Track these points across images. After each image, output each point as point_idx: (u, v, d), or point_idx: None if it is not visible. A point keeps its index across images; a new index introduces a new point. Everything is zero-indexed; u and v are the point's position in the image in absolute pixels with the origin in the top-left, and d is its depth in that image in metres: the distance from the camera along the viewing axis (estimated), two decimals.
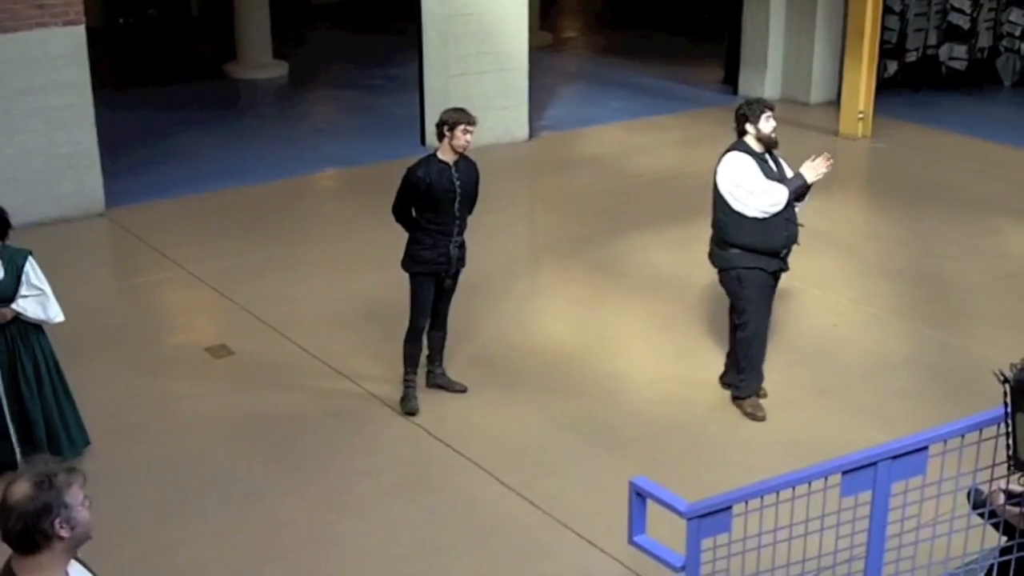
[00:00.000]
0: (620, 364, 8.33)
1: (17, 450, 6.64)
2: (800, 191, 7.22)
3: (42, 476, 3.35)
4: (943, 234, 10.86)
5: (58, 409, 6.81)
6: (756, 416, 7.49)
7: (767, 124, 7.18)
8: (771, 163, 7.30)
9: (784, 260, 7.36)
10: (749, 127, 7.21)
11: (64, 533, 3.35)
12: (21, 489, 3.33)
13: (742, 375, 7.56)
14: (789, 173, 7.37)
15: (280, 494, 6.76)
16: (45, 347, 6.75)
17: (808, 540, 4.56)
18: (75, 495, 3.38)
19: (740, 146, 7.26)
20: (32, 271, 6.58)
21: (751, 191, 7.12)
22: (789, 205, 7.16)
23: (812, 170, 7.21)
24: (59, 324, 6.76)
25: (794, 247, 7.36)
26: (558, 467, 7.05)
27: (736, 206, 7.16)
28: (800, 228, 7.34)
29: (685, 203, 11.57)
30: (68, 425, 6.87)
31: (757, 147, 7.23)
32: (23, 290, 6.53)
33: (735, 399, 7.62)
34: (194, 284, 9.66)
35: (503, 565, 6.18)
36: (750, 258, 7.27)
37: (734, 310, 7.51)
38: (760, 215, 7.12)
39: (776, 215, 7.13)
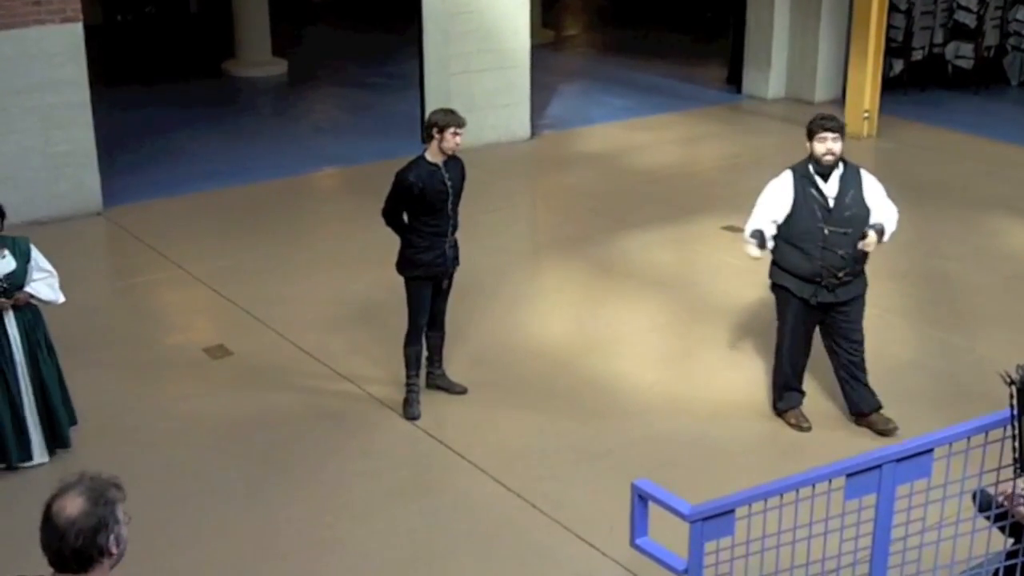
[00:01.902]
0: (622, 365, 8.26)
1: (43, 446, 6.89)
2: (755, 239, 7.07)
3: (95, 491, 3.27)
4: (949, 234, 10.79)
5: (62, 389, 7.00)
6: (801, 427, 7.38)
7: (819, 146, 6.91)
8: (829, 187, 6.95)
9: (827, 289, 7.00)
10: (808, 143, 6.99)
11: (114, 550, 3.30)
12: (76, 504, 3.23)
13: (775, 390, 7.50)
14: (871, 200, 7.02)
15: (278, 496, 6.70)
16: (47, 328, 6.95)
17: (812, 543, 4.53)
18: (121, 512, 3.33)
19: (796, 164, 7.09)
20: (39, 255, 6.81)
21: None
22: (823, 235, 6.92)
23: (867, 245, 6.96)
24: (60, 313, 6.91)
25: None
26: (559, 469, 6.99)
27: None
28: (843, 257, 6.95)
29: (688, 203, 11.53)
30: (65, 406, 7.03)
31: (814, 167, 6.99)
32: (34, 274, 6.74)
33: (777, 413, 7.51)
34: (192, 284, 9.61)
35: (504, 568, 6.12)
36: (780, 275, 7.17)
37: None
38: None
39: (809, 241, 6.93)
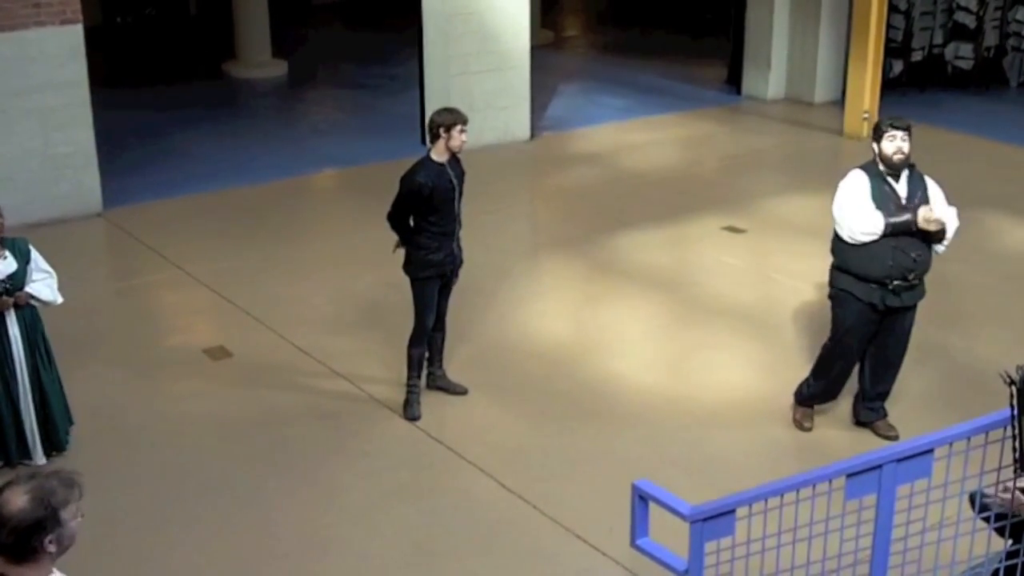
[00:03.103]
0: (621, 365, 8.26)
1: (39, 447, 6.89)
2: (903, 228, 6.74)
3: (42, 492, 3.32)
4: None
5: (60, 390, 7.02)
6: (802, 426, 7.36)
7: (889, 144, 6.77)
8: (900, 187, 6.85)
9: (894, 292, 6.86)
10: (874, 145, 6.86)
11: (52, 549, 3.35)
12: (18, 502, 3.30)
13: (807, 380, 7.38)
14: (936, 199, 6.92)
15: (278, 497, 6.69)
16: (44, 329, 6.97)
17: (812, 543, 4.53)
18: (70, 512, 3.36)
19: (865, 164, 6.95)
20: (39, 256, 6.83)
21: (845, 213, 6.85)
22: (894, 236, 6.75)
23: (928, 220, 6.73)
24: (60, 314, 6.93)
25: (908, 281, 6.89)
26: (559, 469, 6.98)
27: (836, 227, 6.94)
28: (915, 259, 6.81)
29: (687, 203, 11.52)
30: (63, 407, 7.04)
31: (884, 167, 6.86)
32: (34, 275, 6.77)
33: (796, 401, 7.46)
34: (192, 285, 9.60)
35: (504, 569, 6.12)
36: (847, 281, 6.97)
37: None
38: (852, 240, 6.84)
39: (881, 241, 6.76)
